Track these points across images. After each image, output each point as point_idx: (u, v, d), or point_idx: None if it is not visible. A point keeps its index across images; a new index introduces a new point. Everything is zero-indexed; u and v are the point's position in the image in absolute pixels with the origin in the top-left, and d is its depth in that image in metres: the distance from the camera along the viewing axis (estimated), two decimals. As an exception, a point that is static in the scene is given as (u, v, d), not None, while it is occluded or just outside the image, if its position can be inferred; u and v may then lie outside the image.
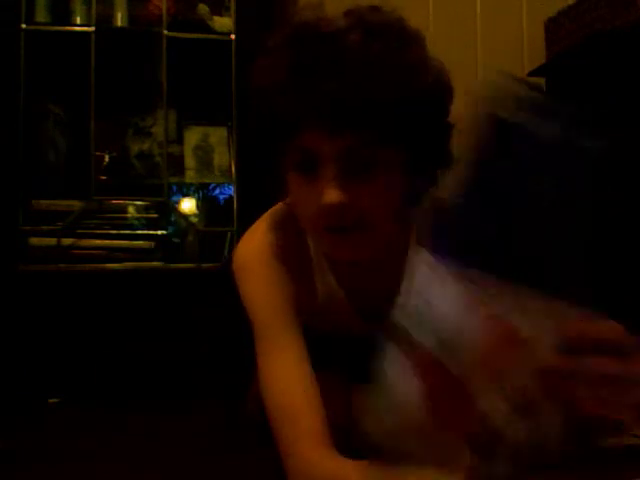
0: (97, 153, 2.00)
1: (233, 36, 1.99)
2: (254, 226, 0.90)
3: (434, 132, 0.73)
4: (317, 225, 0.74)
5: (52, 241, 1.89)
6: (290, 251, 0.84)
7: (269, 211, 0.91)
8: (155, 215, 2.06)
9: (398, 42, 0.71)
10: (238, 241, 2.02)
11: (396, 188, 0.74)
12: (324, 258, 0.85)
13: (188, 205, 2.15)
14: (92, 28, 1.94)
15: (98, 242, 1.95)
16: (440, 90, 0.73)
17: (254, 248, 0.86)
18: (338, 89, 0.67)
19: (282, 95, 0.70)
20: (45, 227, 1.90)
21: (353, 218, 0.72)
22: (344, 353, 1.09)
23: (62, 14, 1.99)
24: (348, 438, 0.79)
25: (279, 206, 0.89)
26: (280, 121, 0.71)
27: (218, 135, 2.13)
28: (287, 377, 0.80)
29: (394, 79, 0.68)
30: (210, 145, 2.12)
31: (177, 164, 2.09)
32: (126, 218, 2.03)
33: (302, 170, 0.73)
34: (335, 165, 0.70)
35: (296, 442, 0.76)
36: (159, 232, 2.03)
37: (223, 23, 2.05)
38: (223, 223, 2.10)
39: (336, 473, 0.73)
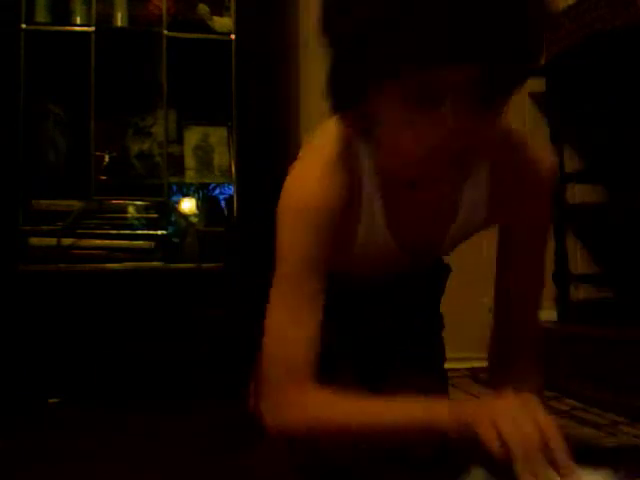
0: (97, 153, 2.00)
1: (233, 36, 1.99)
2: (307, 161, 0.85)
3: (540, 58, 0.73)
4: (436, 156, 0.70)
5: (52, 241, 1.89)
6: (341, 192, 0.80)
7: (320, 143, 0.85)
8: (155, 215, 2.06)
9: None
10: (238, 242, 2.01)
11: (502, 116, 0.73)
12: (379, 196, 0.83)
13: (188, 205, 2.15)
14: (92, 28, 1.94)
15: (98, 242, 1.95)
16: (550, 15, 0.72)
17: (304, 189, 0.81)
18: (476, 15, 0.63)
19: (409, 22, 0.64)
20: (45, 227, 1.90)
21: (473, 149, 0.71)
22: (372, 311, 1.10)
23: (62, 14, 1.99)
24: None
25: (330, 136, 0.84)
26: (403, 51, 0.65)
27: (218, 135, 2.12)
28: (287, 327, 0.80)
29: (531, 6, 0.66)
30: (210, 145, 2.12)
31: (177, 164, 2.08)
32: (126, 218, 2.03)
33: (419, 102, 0.68)
34: (463, 95, 0.67)
35: (273, 389, 0.80)
36: (159, 232, 2.03)
37: (223, 23, 2.05)
38: (223, 223, 2.10)
39: (315, 409, 0.77)
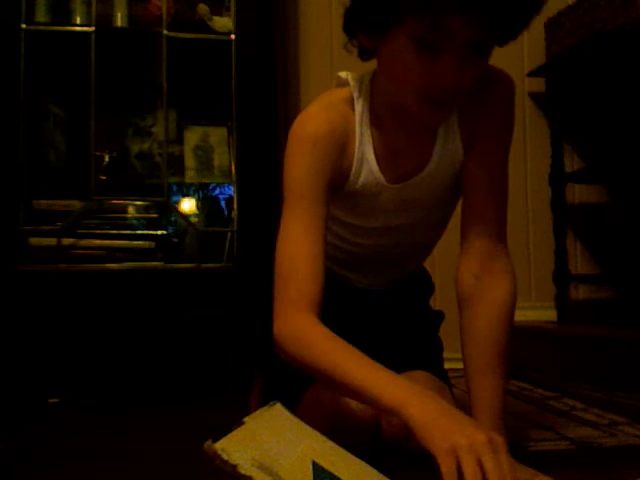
0: (97, 153, 2.00)
1: (233, 36, 1.99)
2: (310, 106, 1.00)
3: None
4: (422, 93, 0.84)
5: (52, 241, 1.89)
6: (335, 125, 0.96)
7: (323, 96, 1.02)
8: (155, 215, 2.05)
9: None
10: (238, 242, 2.02)
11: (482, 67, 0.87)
12: (369, 133, 0.98)
13: (188, 205, 2.15)
14: (92, 28, 1.93)
15: (98, 242, 1.94)
16: None
17: (304, 122, 0.97)
18: None
19: None
20: (45, 227, 1.90)
21: (456, 94, 0.84)
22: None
23: (62, 14, 1.99)
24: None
25: (331, 92, 1.02)
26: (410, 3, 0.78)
27: (218, 135, 2.13)
28: (297, 244, 0.91)
29: None
30: (210, 145, 2.12)
31: (177, 164, 2.08)
32: (126, 218, 2.03)
33: (423, 46, 0.80)
34: (461, 50, 0.79)
35: (283, 304, 0.89)
36: (159, 232, 2.03)
37: (223, 23, 2.05)
38: (223, 223, 2.10)
39: (306, 337, 0.86)
